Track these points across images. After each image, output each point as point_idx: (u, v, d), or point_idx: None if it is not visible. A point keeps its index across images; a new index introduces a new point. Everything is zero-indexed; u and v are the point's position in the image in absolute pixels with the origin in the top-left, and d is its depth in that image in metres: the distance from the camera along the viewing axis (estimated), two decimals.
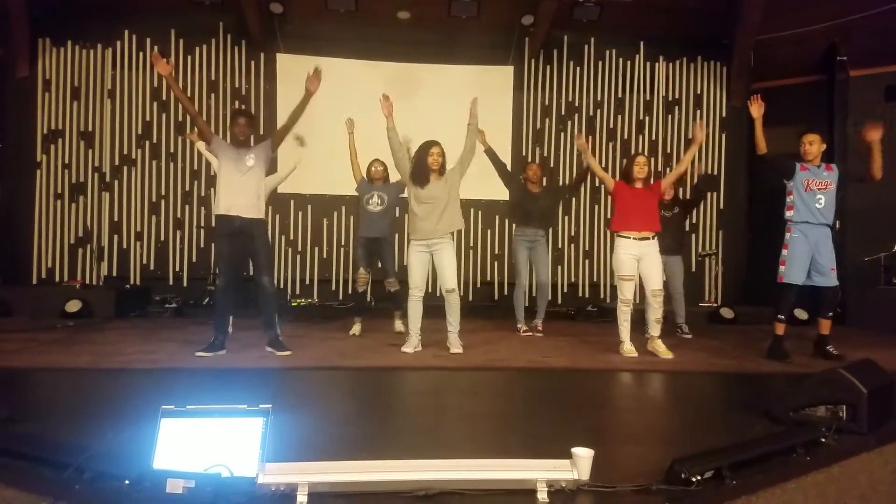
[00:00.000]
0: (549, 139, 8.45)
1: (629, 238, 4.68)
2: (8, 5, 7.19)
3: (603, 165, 8.43)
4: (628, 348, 4.70)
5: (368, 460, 2.01)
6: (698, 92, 8.52)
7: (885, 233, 7.13)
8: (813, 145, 4.56)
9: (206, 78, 8.01)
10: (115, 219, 7.88)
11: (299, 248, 8.14)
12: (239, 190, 4.38)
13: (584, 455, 1.93)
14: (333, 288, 8.15)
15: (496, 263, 8.35)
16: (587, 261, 8.46)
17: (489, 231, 8.33)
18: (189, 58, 7.97)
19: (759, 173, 8.40)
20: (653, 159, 8.37)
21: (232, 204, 4.37)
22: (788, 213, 4.61)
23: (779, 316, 4.64)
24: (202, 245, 7.96)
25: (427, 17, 7.85)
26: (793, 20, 7.68)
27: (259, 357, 4.36)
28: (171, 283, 7.86)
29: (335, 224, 8.15)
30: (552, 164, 8.41)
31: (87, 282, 7.67)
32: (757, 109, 4.65)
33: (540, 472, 1.87)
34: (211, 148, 4.57)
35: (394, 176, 5.52)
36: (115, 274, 7.82)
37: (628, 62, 8.47)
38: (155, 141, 7.93)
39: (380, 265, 5.62)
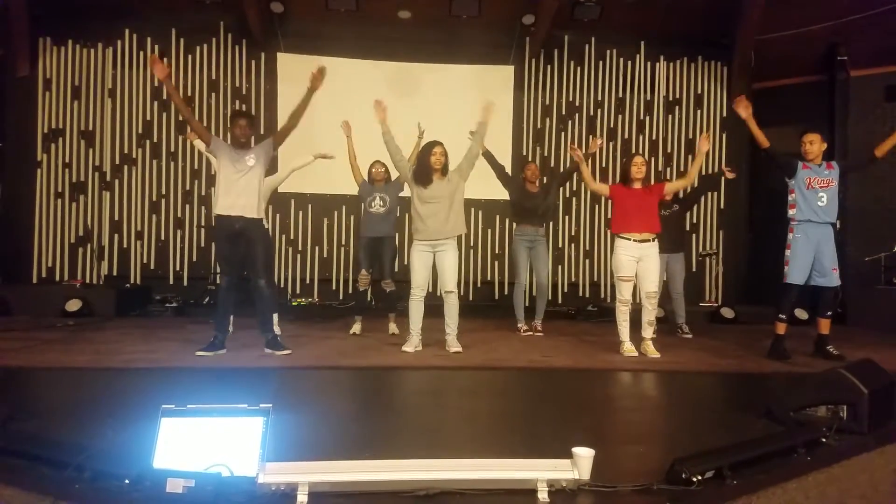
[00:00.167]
0: (549, 139, 8.44)
1: (629, 240, 4.68)
2: (8, 4, 7.19)
3: (603, 165, 8.45)
4: (628, 348, 4.71)
5: (369, 460, 2.00)
6: (699, 92, 8.52)
7: (885, 233, 7.14)
8: (814, 144, 4.56)
9: (207, 77, 8.01)
10: (116, 218, 7.88)
11: (299, 248, 8.14)
12: (239, 190, 4.38)
13: (584, 455, 1.93)
14: (334, 287, 8.15)
15: (496, 263, 8.34)
16: (587, 260, 8.46)
17: (489, 231, 8.33)
18: (189, 57, 7.97)
19: (760, 173, 8.40)
20: (653, 159, 8.38)
21: (232, 204, 4.36)
22: (791, 212, 4.61)
23: (780, 315, 4.65)
24: (202, 244, 7.96)
25: (428, 16, 7.85)
26: (793, 20, 7.68)
27: (259, 356, 4.36)
28: (171, 282, 7.86)
29: (335, 223, 8.15)
30: (552, 164, 8.40)
31: (88, 281, 7.67)
32: (744, 109, 4.63)
33: (540, 471, 1.87)
34: (210, 149, 4.56)
35: (395, 175, 5.54)
36: (115, 273, 7.82)
37: (629, 62, 8.47)
38: (155, 140, 7.93)
39: (378, 264, 5.62)
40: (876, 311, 6.73)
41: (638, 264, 4.69)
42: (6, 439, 2.17)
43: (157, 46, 7.88)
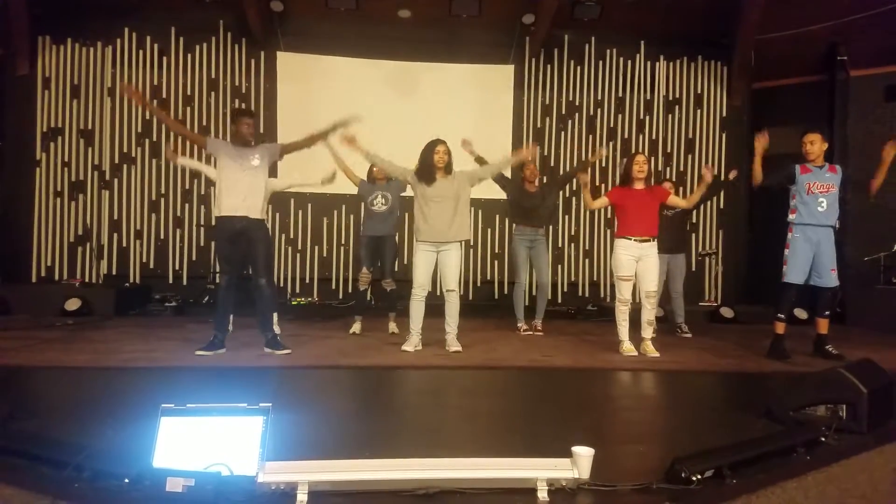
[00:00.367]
0: (549, 138, 8.44)
1: (629, 239, 4.68)
2: (8, 3, 7.18)
3: (602, 165, 8.45)
4: (628, 347, 4.71)
5: (369, 459, 2.00)
6: (699, 91, 8.52)
7: (884, 233, 7.14)
8: (814, 145, 4.55)
9: (207, 76, 8.01)
10: (115, 217, 7.87)
11: (299, 247, 8.13)
12: (244, 189, 4.33)
13: (584, 454, 1.93)
14: (333, 287, 8.15)
15: (496, 262, 8.34)
16: (587, 260, 8.46)
17: (489, 230, 8.33)
18: (189, 56, 7.96)
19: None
20: (652, 159, 8.38)
21: (237, 204, 4.31)
22: (791, 217, 4.61)
23: (779, 315, 4.65)
24: (202, 243, 7.95)
25: (428, 15, 7.84)
26: (793, 20, 7.68)
27: (259, 356, 4.35)
28: (170, 281, 7.86)
29: (335, 223, 8.15)
30: (552, 164, 8.40)
31: (87, 280, 7.67)
32: (761, 144, 4.65)
33: (540, 470, 1.87)
34: (208, 151, 4.53)
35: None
36: (114, 272, 7.81)
37: (629, 61, 8.47)
38: (155, 139, 7.92)
39: (378, 264, 5.62)
40: (875, 310, 6.73)
41: (637, 264, 4.69)
42: (6, 438, 2.16)
43: (156, 45, 7.88)
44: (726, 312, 7.21)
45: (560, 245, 8.37)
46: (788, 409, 2.79)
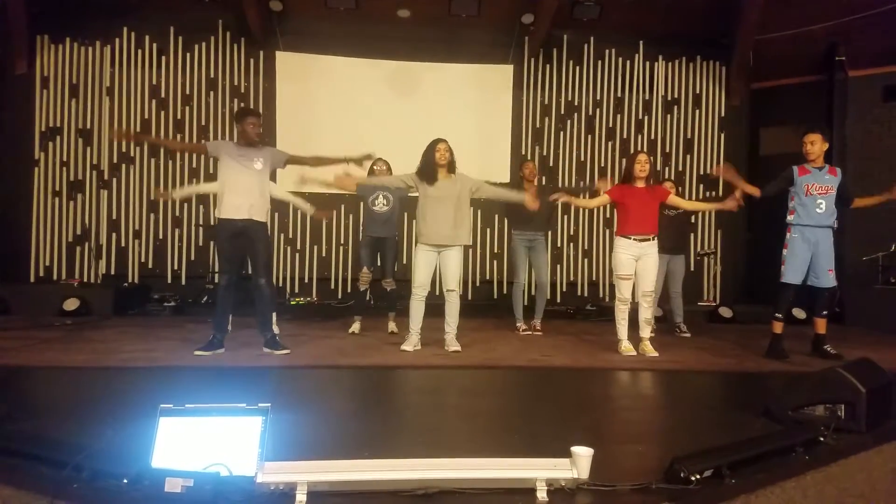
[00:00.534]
0: (548, 138, 8.44)
1: (629, 239, 4.68)
2: (6, 2, 7.17)
3: (602, 164, 8.45)
4: (626, 347, 4.71)
5: (368, 459, 2.00)
6: (697, 91, 8.53)
7: (882, 232, 7.14)
8: (815, 145, 4.56)
9: (206, 76, 8.00)
10: (114, 217, 7.86)
11: (298, 247, 8.13)
12: (248, 190, 4.31)
13: (583, 454, 1.93)
14: (332, 286, 8.15)
15: (495, 262, 8.34)
16: (586, 260, 8.46)
17: (488, 230, 8.33)
18: (188, 55, 7.95)
19: (758, 174, 8.39)
20: (651, 158, 8.36)
21: (241, 204, 4.29)
22: (789, 218, 4.63)
23: (776, 315, 4.66)
24: (201, 243, 7.95)
25: (427, 15, 7.84)
26: (792, 20, 7.69)
27: (258, 356, 4.35)
28: (169, 281, 7.85)
29: (334, 222, 8.14)
30: (551, 163, 8.40)
31: (86, 280, 7.66)
32: (730, 175, 4.86)
33: (539, 471, 1.87)
34: (210, 154, 4.49)
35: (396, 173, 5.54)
36: (113, 272, 7.80)
37: (628, 61, 8.47)
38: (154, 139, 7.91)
39: (378, 263, 5.62)
40: (873, 310, 6.74)
41: (637, 263, 4.69)
42: (5, 438, 2.16)
43: (155, 45, 7.87)
44: (725, 312, 7.21)
45: (559, 245, 8.37)
46: (787, 408, 2.79)
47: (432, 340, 4.80)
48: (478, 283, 8.31)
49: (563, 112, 8.46)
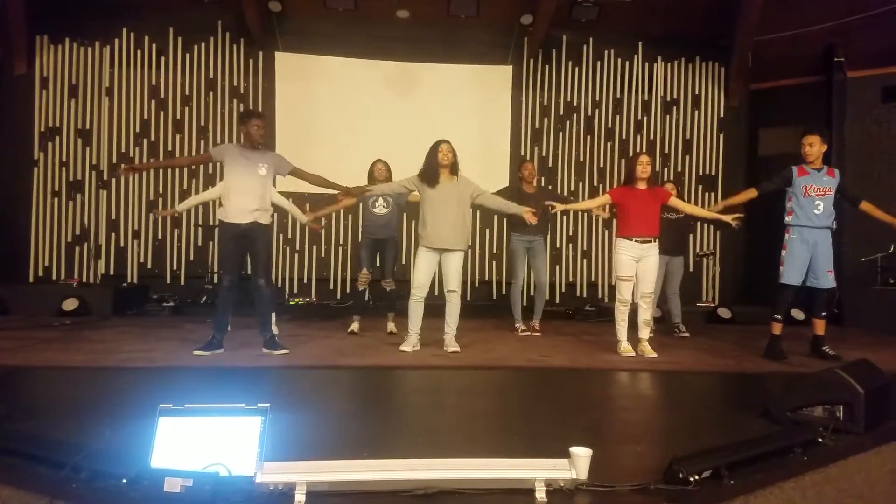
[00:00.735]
0: (547, 139, 8.45)
1: (630, 240, 4.68)
2: (5, 2, 7.16)
3: (601, 165, 8.46)
4: (625, 347, 4.71)
5: (367, 459, 2.00)
6: (696, 92, 8.53)
7: (881, 233, 7.13)
8: (813, 147, 4.55)
9: (205, 76, 7.99)
10: (113, 217, 7.85)
11: (297, 247, 8.13)
12: (252, 193, 4.31)
13: (582, 454, 1.94)
14: (331, 287, 8.14)
15: (494, 262, 8.35)
16: (585, 260, 8.46)
17: (487, 230, 8.33)
18: (187, 56, 7.95)
19: (757, 174, 8.41)
20: (652, 160, 8.38)
21: (245, 207, 4.29)
22: (787, 219, 4.63)
23: (775, 316, 4.66)
24: (200, 244, 7.94)
25: (426, 15, 7.84)
26: (791, 21, 7.69)
27: (257, 356, 4.35)
28: (168, 281, 7.85)
29: (333, 223, 8.14)
30: (550, 164, 8.41)
31: (85, 280, 7.66)
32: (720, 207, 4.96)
33: (538, 471, 1.87)
34: (215, 160, 4.47)
35: (396, 177, 5.53)
36: (112, 272, 7.80)
37: (627, 62, 8.48)
38: (153, 139, 7.90)
39: (378, 264, 5.62)
40: (872, 311, 6.75)
41: (637, 264, 4.69)
42: (3, 439, 2.16)
43: (154, 45, 7.86)
44: (724, 313, 7.22)
45: (558, 245, 8.37)
46: (786, 409, 2.80)
47: (431, 341, 4.80)
48: (477, 284, 8.31)
49: (562, 113, 8.47)
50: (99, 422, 2.60)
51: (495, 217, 8.20)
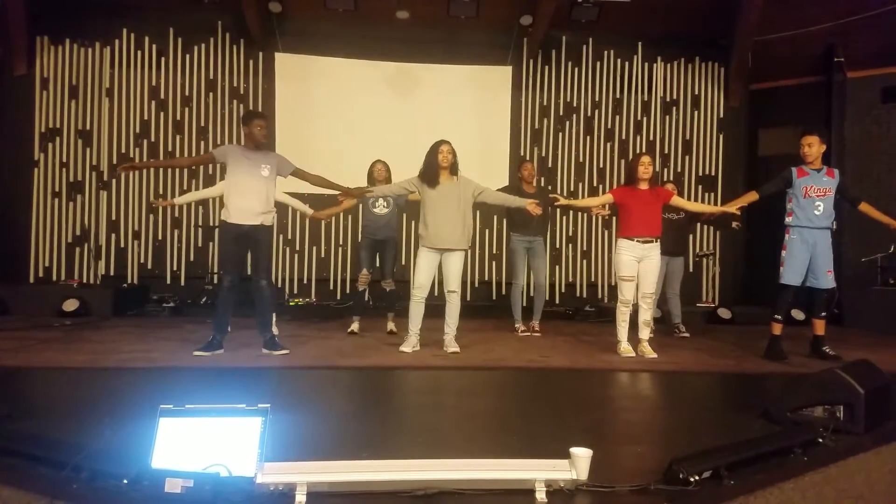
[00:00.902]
0: (547, 139, 8.45)
1: (632, 240, 4.67)
2: (6, 3, 7.17)
3: (601, 166, 8.46)
4: (625, 348, 4.71)
5: (367, 460, 2.01)
6: (696, 93, 8.53)
7: (881, 233, 7.13)
8: (812, 147, 4.55)
9: (205, 77, 7.99)
10: (113, 218, 7.85)
11: (297, 248, 8.13)
12: (254, 193, 4.31)
13: (582, 455, 1.94)
14: (331, 287, 8.14)
15: (494, 263, 8.35)
16: (585, 261, 8.46)
17: (487, 231, 8.33)
18: (187, 56, 7.95)
19: (757, 175, 8.42)
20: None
21: (247, 208, 4.29)
22: (787, 219, 4.63)
23: (775, 316, 4.66)
24: (200, 244, 7.94)
25: (426, 16, 7.84)
26: (791, 21, 7.69)
27: (257, 356, 4.35)
28: (168, 282, 7.85)
29: (333, 223, 8.14)
30: (550, 165, 8.41)
31: (85, 281, 7.65)
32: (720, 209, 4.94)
33: (538, 471, 1.87)
34: (218, 161, 4.46)
35: (396, 177, 5.54)
36: (112, 273, 7.80)
37: (626, 63, 8.48)
38: (153, 140, 7.91)
39: (377, 264, 5.62)
40: (872, 311, 6.75)
41: (639, 265, 4.69)
42: (4, 439, 2.16)
43: (154, 46, 7.86)
44: (724, 313, 7.22)
45: (558, 246, 8.37)
46: (786, 409, 2.80)
47: (431, 341, 4.80)
48: (476, 285, 8.31)
49: (561, 113, 8.47)
50: (99, 422, 2.60)
51: (495, 217, 8.21)
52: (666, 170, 8.44)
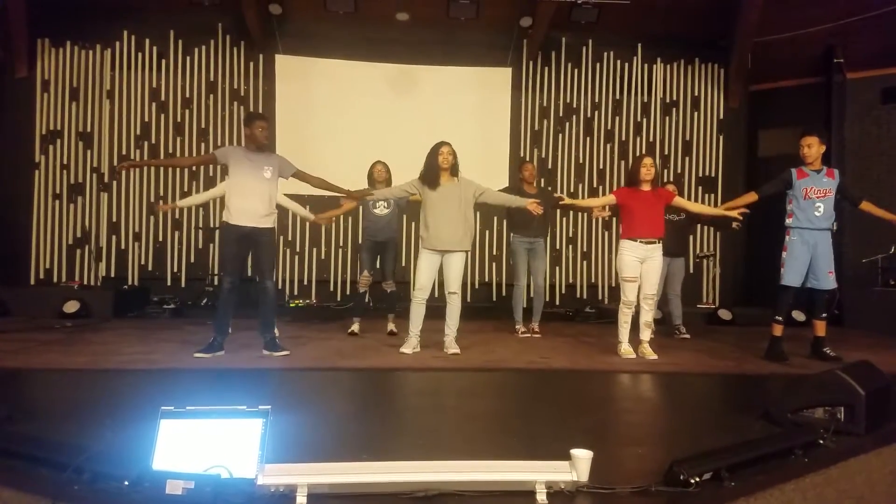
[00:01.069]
0: (547, 140, 8.45)
1: (635, 241, 4.66)
2: (7, 6, 7.18)
3: (600, 167, 8.46)
4: (626, 349, 4.71)
5: (367, 461, 2.01)
6: (696, 94, 8.54)
7: (882, 234, 7.15)
8: (811, 148, 4.55)
9: (205, 79, 8.00)
10: (114, 219, 7.86)
11: (297, 249, 8.13)
12: (257, 195, 4.31)
13: (582, 456, 1.94)
14: (332, 289, 8.15)
15: (494, 264, 8.35)
16: (585, 262, 8.46)
17: (487, 232, 8.33)
18: (188, 58, 7.96)
19: (757, 176, 8.42)
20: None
21: (249, 209, 4.29)
22: (788, 221, 4.63)
23: (776, 317, 4.66)
24: (200, 246, 7.95)
25: (426, 18, 7.85)
26: (790, 22, 7.70)
27: (258, 358, 4.36)
28: (169, 283, 7.85)
29: (333, 225, 8.13)
30: (549, 166, 8.41)
31: (86, 282, 7.65)
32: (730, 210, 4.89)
33: (539, 473, 1.87)
34: (220, 162, 4.46)
35: (396, 178, 5.55)
36: (113, 274, 7.80)
37: (626, 64, 8.48)
38: (153, 142, 7.91)
39: (378, 265, 5.62)
40: (873, 312, 6.75)
41: (641, 265, 4.68)
42: (5, 440, 2.17)
43: (155, 48, 7.87)
44: (724, 314, 7.22)
45: (558, 247, 8.38)
46: (786, 411, 2.80)
47: (431, 343, 4.80)
48: (477, 286, 8.31)
49: (561, 114, 8.47)
50: (100, 424, 2.60)
51: (495, 218, 8.21)
52: (666, 171, 8.44)
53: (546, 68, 8.41)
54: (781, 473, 2.11)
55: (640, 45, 8.42)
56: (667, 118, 8.53)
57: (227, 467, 1.85)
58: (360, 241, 5.87)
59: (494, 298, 8.25)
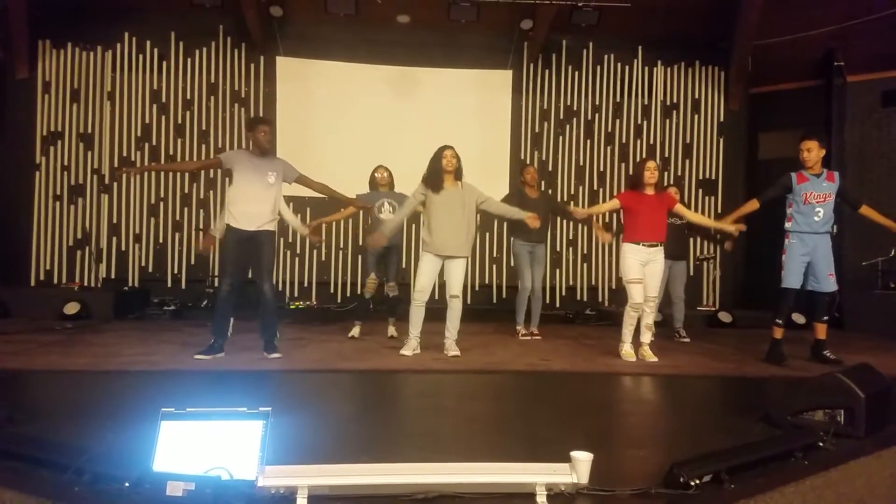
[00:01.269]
0: (547, 143, 8.46)
1: (638, 245, 4.65)
2: (8, 7, 7.20)
3: (601, 170, 8.47)
4: (627, 351, 4.70)
5: (368, 463, 2.01)
6: (696, 96, 8.55)
7: (882, 237, 7.14)
8: (811, 152, 4.55)
9: (206, 80, 8.02)
10: (114, 221, 7.87)
11: (298, 251, 8.14)
12: (260, 199, 4.33)
13: (583, 459, 1.94)
14: (332, 291, 8.15)
15: (494, 266, 8.35)
16: (585, 264, 8.47)
17: (487, 234, 8.34)
18: (189, 60, 7.97)
19: (757, 178, 8.42)
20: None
21: (252, 214, 4.30)
22: (787, 225, 4.63)
23: (776, 320, 4.65)
24: (200, 247, 7.94)
25: (427, 20, 7.87)
26: (791, 25, 7.71)
27: (258, 359, 4.35)
28: (169, 285, 7.85)
29: (334, 227, 8.14)
30: (550, 168, 8.42)
31: (86, 284, 7.66)
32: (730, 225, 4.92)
33: (539, 475, 1.87)
34: (225, 167, 4.44)
35: (397, 180, 5.56)
36: (113, 276, 7.81)
37: (626, 66, 8.49)
38: (154, 143, 7.92)
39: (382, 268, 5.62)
40: (873, 315, 6.74)
41: (644, 268, 4.68)
42: (5, 441, 2.17)
43: (156, 50, 7.89)
44: (724, 317, 7.22)
45: (558, 250, 8.38)
46: (786, 413, 2.80)
47: (432, 345, 4.80)
48: (477, 288, 8.31)
49: (562, 117, 8.48)
50: (101, 425, 2.60)
51: (495, 221, 8.21)
52: (666, 173, 8.44)
53: (546, 71, 8.43)
54: (781, 476, 2.11)
55: (640, 47, 8.43)
56: (667, 121, 8.54)
57: (227, 469, 1.85)
58: (361, 244, 5.86)
59: (494, 301, 8.26)
